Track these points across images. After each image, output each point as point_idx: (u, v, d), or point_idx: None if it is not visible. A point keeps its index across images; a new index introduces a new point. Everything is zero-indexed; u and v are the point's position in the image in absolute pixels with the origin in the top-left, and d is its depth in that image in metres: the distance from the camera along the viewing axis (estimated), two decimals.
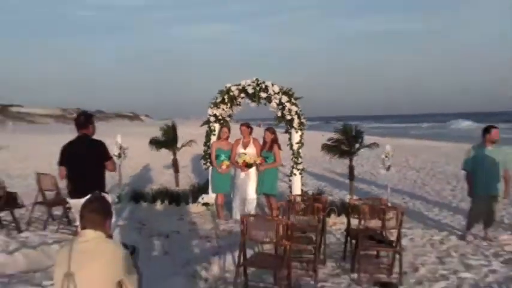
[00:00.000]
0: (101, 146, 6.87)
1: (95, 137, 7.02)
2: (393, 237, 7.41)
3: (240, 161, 10.31)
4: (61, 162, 6.96)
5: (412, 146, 33.46)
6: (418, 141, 40.59)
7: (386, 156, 10.90)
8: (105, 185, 6.98)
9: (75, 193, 6.79)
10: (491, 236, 9.26)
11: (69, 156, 6.91)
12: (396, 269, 7.09)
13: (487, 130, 9.20)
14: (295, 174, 10.92)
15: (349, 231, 7.94)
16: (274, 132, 10.58)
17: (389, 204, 9.35)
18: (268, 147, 10.46)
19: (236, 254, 6.54)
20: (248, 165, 10.31)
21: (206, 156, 11.47)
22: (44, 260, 7.40)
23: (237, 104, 11.50)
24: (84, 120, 6.98)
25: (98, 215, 3.67)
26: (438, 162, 22.58)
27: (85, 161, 6.79)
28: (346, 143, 11.49)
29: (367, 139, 12.27)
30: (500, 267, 7.64)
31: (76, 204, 6.66)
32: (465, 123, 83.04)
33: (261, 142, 10.63)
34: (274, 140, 10.50)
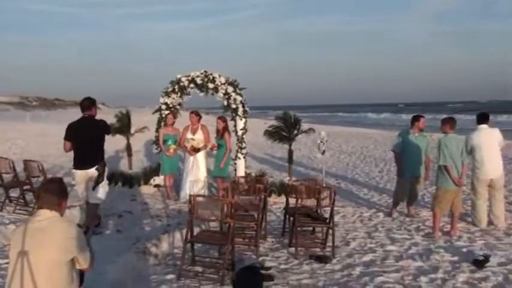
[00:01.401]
0: (103, 123, 7.77)
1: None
2: (327, 215, 7.48)
3: (188, 145, 10.28)
4: (67, 138, 7.61)
5: (345, 132, 33.93)
6: (350, 128, 41.23)
7: (321, 142, 11.01)
8: (104, 157, 7.75)
9: (80, 165, 7.59)
10: (413, 212, 9.49)
11: (76, 133, 7.59)
12: (329, 243, 7.17)
13: (416, 118, 9.43)
14: (239, 158, 10.90)
15: (287, 210, 7.98)
16: (225, 121, 10.54)
17: (324, 185, 9.49)
18: (220, 134, 10.42)
19: (184, 231, 6.46)
20: (195, 150, 10.26)
21: (157, 141, 11.34)
22: (1, 239, 7.13)
23: (187, 94, 11.41)
24: (89, 103, 7.68)
25: (55, 195, 3.53)
26: (368, 147, 22.99)
27: (90, 138, 7.54)
28: (286, 129, 11.59)
29: (305, 126, 12.38)
30: (421, 240, 7.83)
31: (81, 174, 7.64)
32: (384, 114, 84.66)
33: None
34: (225, 128, 10.45)
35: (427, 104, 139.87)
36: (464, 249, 7.23)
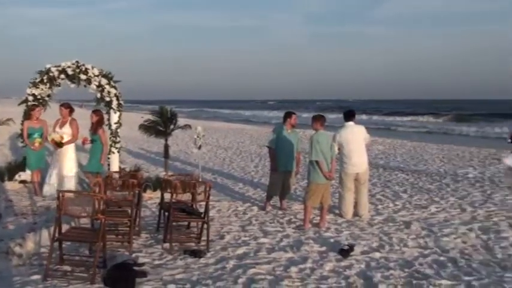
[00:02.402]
0: None
1: None
2: (202, 209, 7.49)
3: (49, 139, 9.77)
4: None
5: (222, 127, 34.30)
6: (228, 123, 41.74)
7: (198, 137, 10.99)
8: None
9: None
10: (286, 206, 9.80)
11: None
12: (204, 238, 7.19)
13: (288, 115, 9.72)
14: (113, 153, 10.56)
15: (162, 205, 7.87)
16: (99, 115, 10.07)
17: (200, 180, 9.48)
18: (93, 129, 9.96)
19: (52, 229, 6.14)
20: (58, 144, 9.75)
21: (22, 134, 10.62)
22: None
23: (57, 85, 10.81)
24: None
25: None
26: (244, 142, 23.41)
27: None
28: (162, 124, 11.44)
29: (182, 121, 12.30)
30: (293, 232, 8.11)
31: None
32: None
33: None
34: (99, 122, 10.00)
35: (298, 102, 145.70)
36: (332, 240, 7.61)
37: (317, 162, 8.21)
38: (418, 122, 50.38)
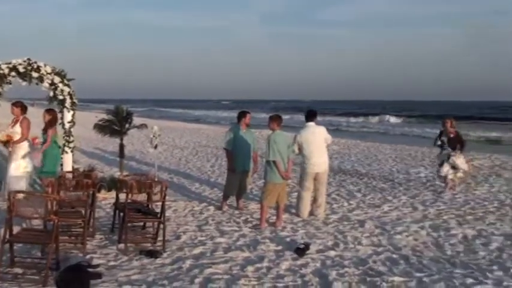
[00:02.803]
0: None
1: None
2: (159, 209, 7.43)
3: None
4: None
5: (179, 127, 34.06)
6: (184, 123, 41.48)
7: (154, 136, 10.88)
8: None
9: None
10: (242, 205, 9.82)
11: None
12: (160, 238, 7.13)
13: (242, 114, 9.72)
14: (66, 152, 10.32)
15: (117, 205, 7.75)
16: (52, 114, 9.80)
17: (156, 180, 9.39)
18: (44, 128, 9.68)
19: (2, 231, 5.96)
20: (4, 144, 9.47)
21: None
22: None
23: (7, 83, 10.47)
24: None
25: None
26: (200, 142, 23.32)
27: None
28: (118, 123, 11.28)
29: (139, 120, 12.16)
30: (249, 231, 8.13)
31: None
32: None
33: None
34: (51, 122, 9.72)
35: (253, 102, 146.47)
36: (288, 239, 7.68)
37: (274, 162, 8.26)
38: (372, 122, 51.47)
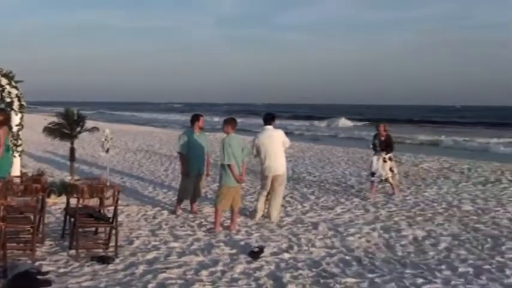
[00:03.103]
0: None
1: None
2: (111, 214, 7.29)
3: None
4: None
5: (132, 130, 33.60)
6: (136, 126, 40.95)
7: (105, 139, 10.71)
8: None
9: None
10: (197, 209, 9.76)
11: None
12: (113, 243, 7.00)
13: (196, 118, 9.67)
14: (14, 156, 10.02)
15: (68, 210, 7.57)
16: (3, 114, 9.44)
17: (108, 184, 9.23)
18: None
19: None
20: None
21: None
22: None
23: None
24: None
25: None
26: (154, 145, 23.06)
27: None
28: (68, 126, 11.04)
29: (91, 123, 11.93)
30: (203, 235, 8.08)
31: None
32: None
33: None
34: (2, 123, 9.37)
35: (206, 105, 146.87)
36: (242, 242, 7.68)
37: (229, 165, 8.26)
38: (321, 126, 52.20)
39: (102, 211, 7.50)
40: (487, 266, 6.63)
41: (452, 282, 6.06)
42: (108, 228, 7.21)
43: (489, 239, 7.91)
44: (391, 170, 11.40)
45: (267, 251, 7.15)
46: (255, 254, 6.93)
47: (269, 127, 9.33)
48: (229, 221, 8.69)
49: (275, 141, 9.21)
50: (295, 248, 7.45)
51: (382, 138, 11.48)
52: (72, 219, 7.15)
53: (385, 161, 11.33)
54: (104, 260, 6.56)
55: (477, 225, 8.79)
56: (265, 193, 9.24)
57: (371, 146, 11.81)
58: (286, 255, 7.06)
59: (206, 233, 8.22)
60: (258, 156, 9.20)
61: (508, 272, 6.42)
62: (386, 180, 11.47)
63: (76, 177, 10.05)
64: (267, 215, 9.23)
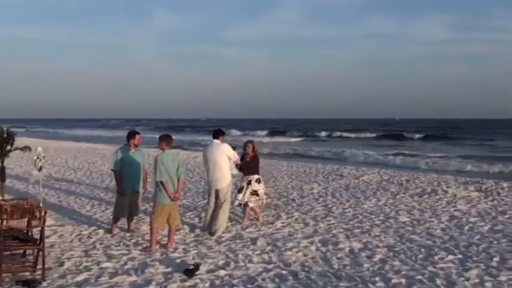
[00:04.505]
0: None
1: None
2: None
3: None
4: None
5: (74, 147, 32.70)
6: (81, 143, 39.92)
7: (38, 158, 10.31)
8: None
9: None
10: (134, 227, 9.51)
11: None
12: (40, 266, 6.69)
13: (131, 135, 9.46)
14: None
15: None
16: None
17: (41, 204, 8.88)
18: None
19: None
20: None
21: None
22: None
23: None
24: None
25: None
26: (95, 162, 22.47)
27: None
28: None
29: (27, 141, 11.47)
30: (139, 254, 7.87)
31: None
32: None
33: None
34: None
35: (144, 120, 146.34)
36: (178, 260, 7.51)
37: (161, 182, 8.09)
38: (273, 141, 52.46)
39: (30, 232, 7.18)
40: (419, 277, 6.72)
41: None
42: (35, 251, 6.89)
43: (423, 250, 8.06)
44: (255, 193, 10.13)
45: (202, 268, 7.02)
46: (190, 272, 6.78)
47: (215, 141, 9.47)
48: (166, 239, 8.49)
49: (218, 155, 9.28)
50: (232, 264, 7.34)
51: (248, 159, 10.19)
52: None
53: (249, 184, 10.13)
54: (30, 283, 6.27)
55: (412, 236, 8.94)
56: (210, 206, 9.32)
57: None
58: (222, 272, 6.95)
59: (142, 252, 8.01)
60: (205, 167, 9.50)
61: (438, 281, 6.53)
62: (246, 204, 10.08)
63: (8, 197, 9.60)
64: (210, 230, 9.13)
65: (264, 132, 67.69)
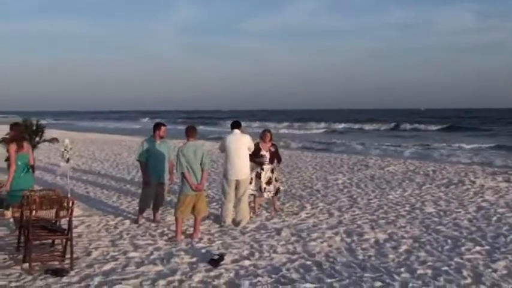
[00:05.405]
0: None
1: None
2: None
3: None
4: None
5: (100, 139, 33.10)
6: (106, 135, 40.40)
7: (65, 149, 10.47)
8: None
9: None
10: (159, 218, 9.59)
11: None
12: (69, 255, 6.81)
13: (157, 127, 9.53)
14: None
15: (22, 222, 7.35)
16: (15, 130, 9.09)
17: (69, 195, 9.02)
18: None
19: None
20: None
21: None
22: None
23: None
24: None
25: None
26: (121, 154, 22.74)
27: None
28: (27, 137, 10.76)
29: (56, 133, 11.65)
30: (164, 244, 7.94)
31: None
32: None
33: None
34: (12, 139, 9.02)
35: (170, 112, 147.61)
36: (203, 250, 7.56)
37: (182, 174, 8.15)
38: (293, 132, 52.34)
39: (58, 223, 7.31)
40: (445, 268, 6.65)
41: (410, 285, 6.05)
42: (63, 240, 7.02)
43: (449, 241, 7.96)
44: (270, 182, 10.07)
45: (227, 259, 7.06)
46: (215, 262, 6.82)
47: (236, 131, 9.39)
48: (192, 229, 8.55)
49: (240, 145, 9.24)
50: (257, 254, 7.36)
51: (273, 150, 10.19)
52: (27, 231, 6.92)
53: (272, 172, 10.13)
54: (58, 272, 6.37)
55: (438, 227, 8.84)
56: (229, 199, 9.19)
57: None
58: (246, 262, 6.97)
59: (167, 242, 8.08)
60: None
61: (465, 273, 6.45)
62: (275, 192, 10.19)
63: (37, 188, 9.74)
64: (234, 221, 9.15)
65: (284, 124, 67.01)
